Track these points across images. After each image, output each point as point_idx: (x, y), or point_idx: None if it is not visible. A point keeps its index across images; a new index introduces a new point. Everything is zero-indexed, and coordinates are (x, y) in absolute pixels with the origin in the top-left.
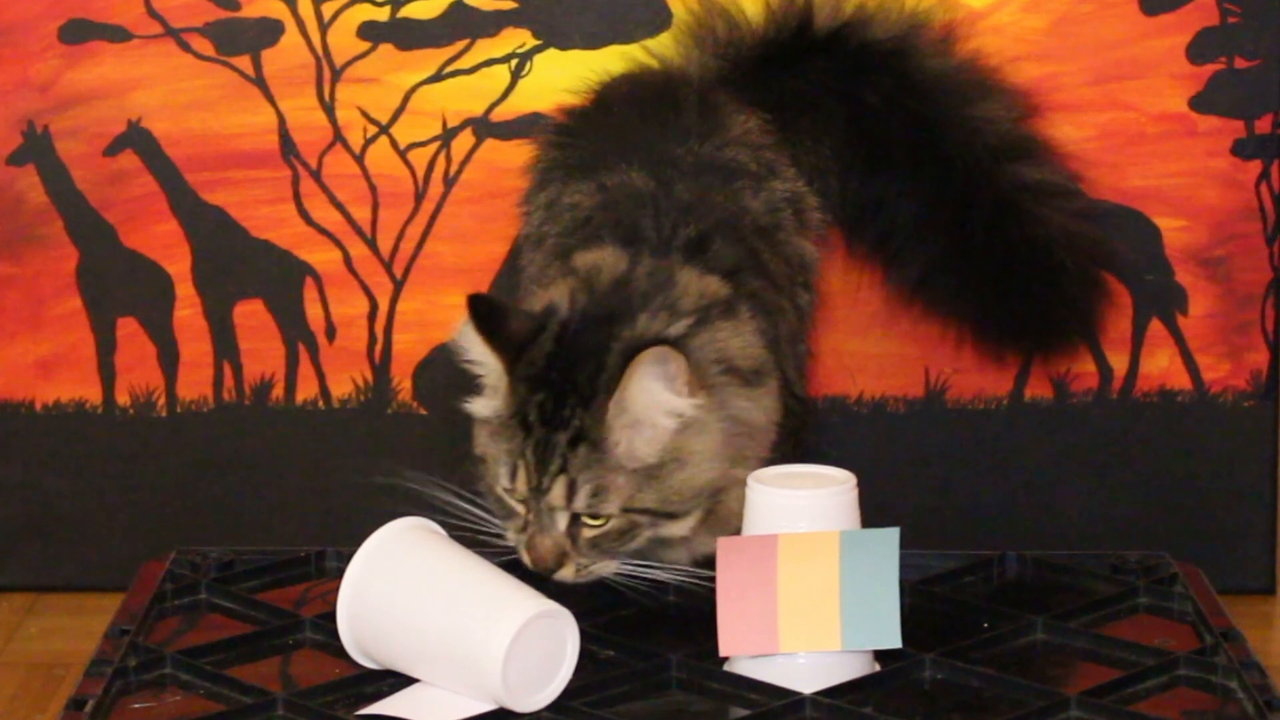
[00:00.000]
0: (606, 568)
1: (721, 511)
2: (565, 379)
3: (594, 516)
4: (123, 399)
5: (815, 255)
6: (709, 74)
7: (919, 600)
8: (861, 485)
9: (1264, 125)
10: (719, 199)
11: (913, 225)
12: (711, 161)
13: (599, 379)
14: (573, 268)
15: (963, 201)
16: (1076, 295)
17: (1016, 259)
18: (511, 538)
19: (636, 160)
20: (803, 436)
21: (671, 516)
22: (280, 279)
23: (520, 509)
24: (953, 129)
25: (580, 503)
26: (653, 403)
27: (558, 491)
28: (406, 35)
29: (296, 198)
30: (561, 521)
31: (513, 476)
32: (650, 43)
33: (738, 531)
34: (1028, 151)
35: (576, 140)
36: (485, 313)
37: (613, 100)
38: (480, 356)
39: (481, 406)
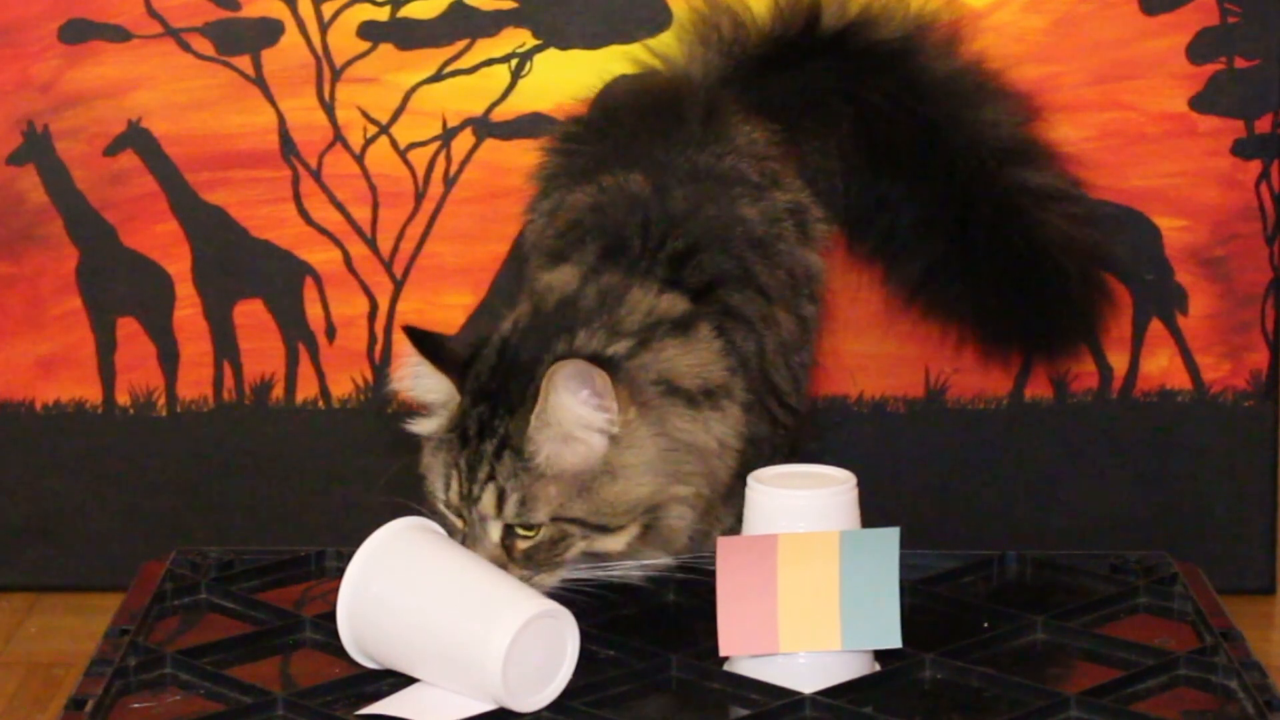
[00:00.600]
0: (547, 580)
1: (662, 528)
2: (501, 391)
3: (526, 528)
4: (123, 399)
5: (820, 266)
6: (713, 73)
7: (919, 600)
8: (861, 485)
9: (1264, 125)
10: (713, 208)
11: (914, 226)
12: (710, 169)
13: (527, 390)
14: (534, 288)
15: (965, 204)
16: (1077, 296)
17: (1017, 261)
18: None
19: (637, 166)
20: (800, 444)
21: (604, 530)
22: (280, 279)
23: (459, 522)
24: (956, 132)
25: (510, 511)
26: (571, 416)
27: (488, 500)
28: (406, 35)
29: (296, 198)
30: (495, 532)
31: (447, 487)
32: (653, 42)
33: (681, 549)
34: (1030, 156)
35: (581, 147)
36: (424, 340)
37: (617, 106)
38: (429, 383)
39: (425, 425)
